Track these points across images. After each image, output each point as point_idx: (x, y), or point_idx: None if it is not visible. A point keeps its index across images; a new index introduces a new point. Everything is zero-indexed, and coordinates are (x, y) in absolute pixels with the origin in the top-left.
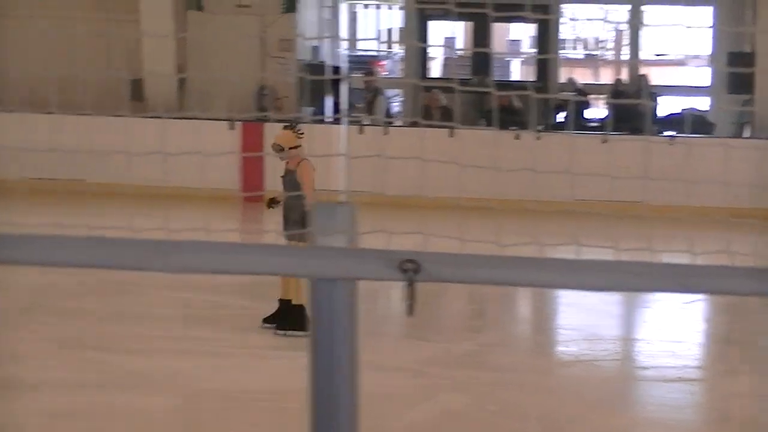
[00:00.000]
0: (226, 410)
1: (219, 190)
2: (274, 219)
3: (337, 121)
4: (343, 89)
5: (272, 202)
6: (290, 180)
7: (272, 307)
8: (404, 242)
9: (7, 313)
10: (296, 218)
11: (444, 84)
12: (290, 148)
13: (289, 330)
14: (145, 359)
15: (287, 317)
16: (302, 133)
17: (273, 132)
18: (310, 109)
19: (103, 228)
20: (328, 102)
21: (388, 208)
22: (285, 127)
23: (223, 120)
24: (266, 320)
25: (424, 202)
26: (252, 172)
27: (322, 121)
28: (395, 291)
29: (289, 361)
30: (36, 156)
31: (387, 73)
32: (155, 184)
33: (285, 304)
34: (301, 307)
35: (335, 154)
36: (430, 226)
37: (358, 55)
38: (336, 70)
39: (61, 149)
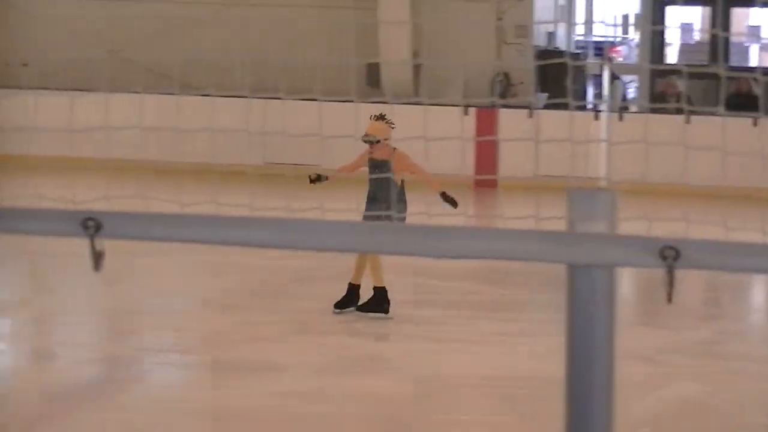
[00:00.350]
0: (457, 395)
1: (452, 176)
2: (507, 204)
3: (579, 108)
4: (605, 77)
5: (318, 179)
6: (382, 170)
7: (499, 293)
8: (657, 230)
9: (240, 295)
10: (383, 206)
11: (681, 69)
12: (385, 140)
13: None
14: (377, 343)
15: (374, 301)
16: (393, 125)
17: (508, 118)
18: (544, 95)
19: (346, 212)
20: (566, 88)
21: (646, 195)
22: (376, 118)
23: (458, 106)
24: (359, 308)
25: (684, 190)
26: (486, 157)
27: (558, 107)
28: (627, 278)
29: (517, 347)
30: (269, 141)
31: (622, 59)
32: None
33: (380, 291)
34: (383, 289)
35: (594, 140)
36: (691, 213)
37: (593, 41)
38: (572, 56)
39: (291, 134)
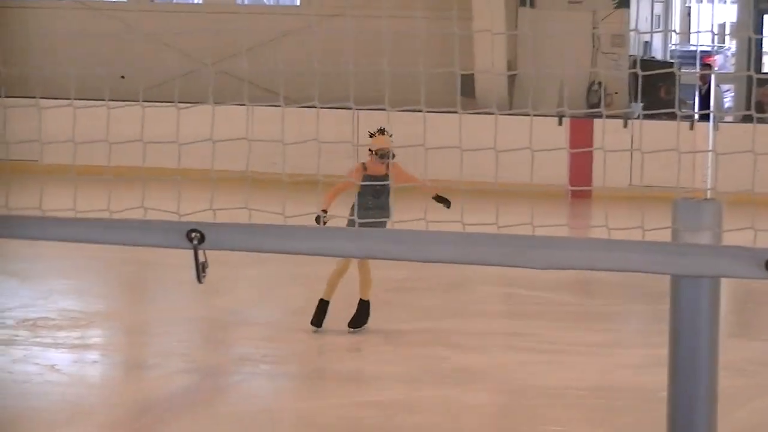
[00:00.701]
0: (551, 407)
1: (547, 186)
2: (602, 215)
3: (674, 117)
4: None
5: (317, 220)
6: (381, 181)
7: (592, 304)
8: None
9: (333, 305)
10: (376, 213)
11: None
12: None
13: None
14: (470, 354)
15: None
16: (392, 136)
17: (602, 128)
18: (639, 105)
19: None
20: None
21: (752, 206)
22: (380, 133)
23: (552, 116)
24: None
25: None
26: (580, 167)
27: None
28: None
29: (611, 358)
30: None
31: (718, 68)
32: (485, 180)
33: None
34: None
35: (700, 150)
36: None
37: (689, 51)
38: (667, 65)
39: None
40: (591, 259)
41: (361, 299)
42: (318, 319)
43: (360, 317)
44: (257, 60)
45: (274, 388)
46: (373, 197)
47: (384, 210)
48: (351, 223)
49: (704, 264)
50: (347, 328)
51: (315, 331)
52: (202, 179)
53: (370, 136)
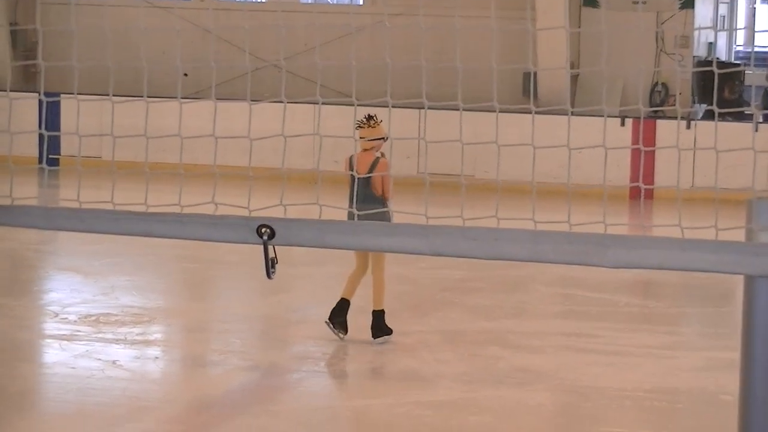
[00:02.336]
0: (612, 408)
1: (610, 187)
2: (665, 216)
3: (739, 119)
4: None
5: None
6: (368, 183)
7: (652, 306)
8: None
9: (391, 305)
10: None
11: None
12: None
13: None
14: (531, 355)
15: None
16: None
17: (665, 129)
18: (702, 106)
19: (514, 220)
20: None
21: None
22: (368, 121)
23: (616, 117)
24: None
25: None
26: (643, 168)
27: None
28: None
29: (672, 360)
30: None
31: None
32: (549, 181)
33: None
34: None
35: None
36: None
37: (755, 52)
38: (732, 66)
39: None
40: (664, 259)
41: (373, 310)
42: (339, 321)
43: (376, 328)
44: (323, 59)
45: (332, 387)
46: (359, 189)
47: (367, 204)
48: (349, 215)
49: None
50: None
51: (343, 339)
52: (272, 176)
53: (358, 128)
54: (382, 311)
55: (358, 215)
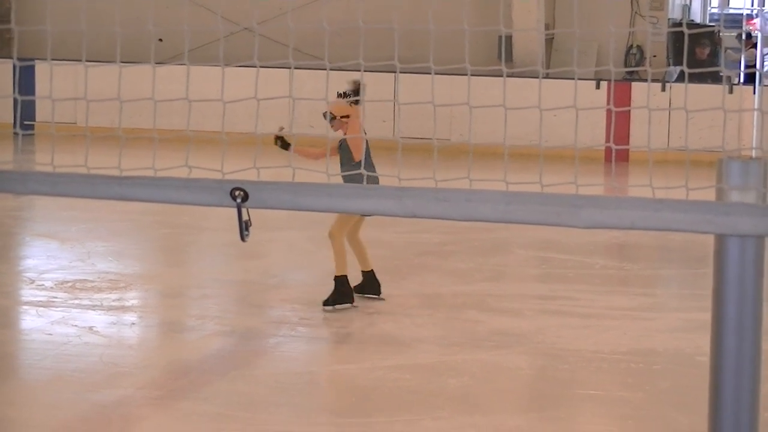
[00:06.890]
0: (589, 370)
1: (586, 150)
2: (640, 176)
3: (714, 81)
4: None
5: (279, 139)
6: (344, 149)
7: (628, 268)
8: None
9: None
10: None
11: None
12: (341, 117)
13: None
14: (509, 318)
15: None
16: (356, 102)
17: (640, 91)
18: (677, 68)
19: (488, 181)
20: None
21: None
22: (338, 96)
23: (591, 80)
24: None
25: None
26: (617, 130)
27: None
28: None
29: (649, 322)
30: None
31: (758, 31)
32: (525, 144)
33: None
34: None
35: (747, 110)
36: None
37: (728, 14)
38: (706, 28)
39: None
40: (637, 219)
41: (363, 270)
42: (371, 290)
43: (330, 295)
44: (298, 23)
45: (310, 351)
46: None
47: (344, 166)
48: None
49: (749, 223)
50: (368, 296)
51: (354, 306)
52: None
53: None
54: (341, 277)
55: (343, 177)
